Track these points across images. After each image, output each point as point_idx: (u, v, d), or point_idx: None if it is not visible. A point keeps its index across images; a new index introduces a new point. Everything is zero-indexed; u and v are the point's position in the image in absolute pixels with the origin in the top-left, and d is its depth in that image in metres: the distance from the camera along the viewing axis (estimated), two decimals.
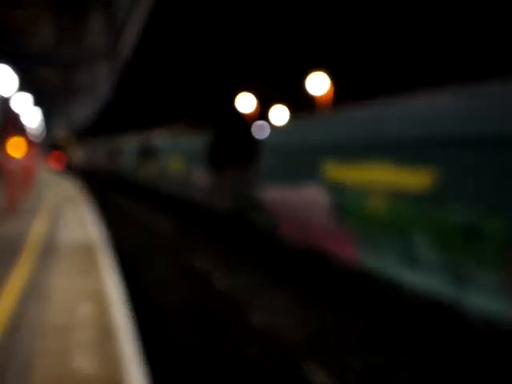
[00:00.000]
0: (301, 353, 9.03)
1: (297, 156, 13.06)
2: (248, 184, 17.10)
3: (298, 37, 29.21)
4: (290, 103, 33.99)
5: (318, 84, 25.41)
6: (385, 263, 9.61)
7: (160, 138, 31.84)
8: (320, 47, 27.60)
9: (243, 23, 33.37)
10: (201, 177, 21.65)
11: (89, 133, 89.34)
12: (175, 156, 26.45)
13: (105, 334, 7.77)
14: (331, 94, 25.61)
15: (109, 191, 44.52)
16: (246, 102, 35.79)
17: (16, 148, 34.54)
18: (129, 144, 42.26)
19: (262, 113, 36.00)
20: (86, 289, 10.22)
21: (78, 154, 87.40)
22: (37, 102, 45.29)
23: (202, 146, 21.78)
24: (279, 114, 34.53)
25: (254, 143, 17.95)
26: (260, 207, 15.55)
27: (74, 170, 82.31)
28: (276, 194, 14.20)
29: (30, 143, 46.31)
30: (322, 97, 25.48)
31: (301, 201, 12.68)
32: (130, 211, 29.43)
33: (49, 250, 14.14)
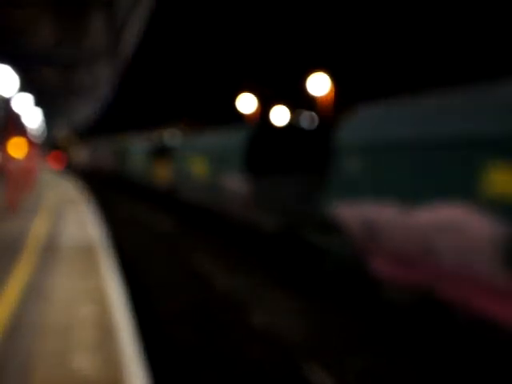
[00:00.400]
0: None
1: (413, 157, 8.96)
2: (307, 195, 13.46)
3: (299, 37, 29.20)
4: (290, 103, 33.98)
5: (319, 84, 25.44)
6: None
7: (176, 137, 30.19)
8: (321, 48, 27.59)
9: (244, 24, 33.34)
10: (235, 183, 17.89)
11: (90, 133, 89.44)
12: (197, 157, 22.70)
13: (105, 334, 7.74)
14: (332, 94, 25.60)
15: (110, 192, 44.48)
16: (246, 103, 35.81)
17: (17, 148, 34.58)
18: (136, 143, 40.93)
19: (262, 113, 35.99)
20: (86, 288, 10.19)
21: (79, 154, 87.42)
22: (37, 102, 45.26)
23: (236, 145, 17.99)
24: (279, 114, 34.54)
25: (318, 139, 14.21)
26: (331, 229, 11.64)
27: (74, 171, 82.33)
28: (365, 213, 10.17)
29: (31, 144, 46.31)
30: (323, 97, 25.47)
31: (422, 226, 8.68)
32: (131, 212, 29.41)
33: (50, 250, 14.12)
